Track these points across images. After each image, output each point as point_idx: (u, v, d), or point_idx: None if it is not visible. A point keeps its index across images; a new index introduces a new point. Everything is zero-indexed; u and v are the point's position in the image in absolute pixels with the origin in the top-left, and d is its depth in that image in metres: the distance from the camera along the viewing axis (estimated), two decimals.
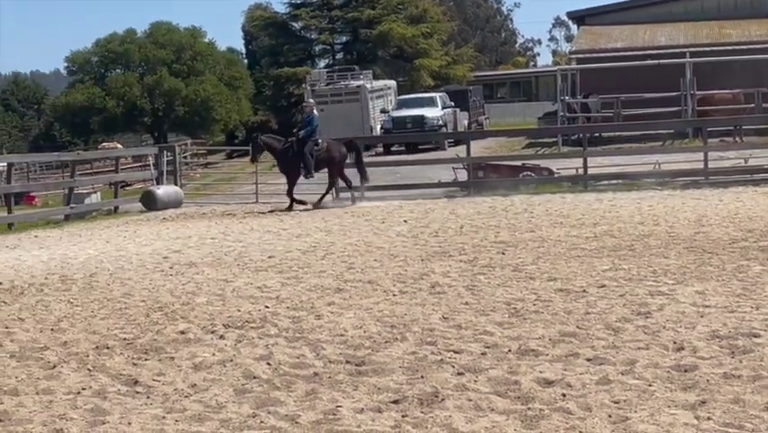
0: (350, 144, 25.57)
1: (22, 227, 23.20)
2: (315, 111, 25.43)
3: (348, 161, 25.18)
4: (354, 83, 49.75)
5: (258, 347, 8.76)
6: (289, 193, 24.24)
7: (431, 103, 46.27)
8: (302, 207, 23.83)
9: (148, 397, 7.40)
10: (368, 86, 49.47)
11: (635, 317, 9.25)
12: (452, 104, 47.47)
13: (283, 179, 24.86)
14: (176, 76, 67.62)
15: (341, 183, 25.17)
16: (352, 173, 25.00)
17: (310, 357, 8.33)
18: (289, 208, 23.84)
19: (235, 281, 12.73)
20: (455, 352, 8.22)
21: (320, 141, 24.80)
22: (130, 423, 6.72)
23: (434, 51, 65.47)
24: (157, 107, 67.61)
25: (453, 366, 7.74)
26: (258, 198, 26.86)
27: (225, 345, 8.93)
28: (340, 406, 6.84)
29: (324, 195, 24.39)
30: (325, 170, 24.67)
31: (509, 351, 8.17)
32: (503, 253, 14.04)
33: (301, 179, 24.38)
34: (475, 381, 7.33)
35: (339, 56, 68.06)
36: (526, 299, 10.36)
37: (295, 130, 26.13)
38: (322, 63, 67.63)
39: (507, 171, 27.52)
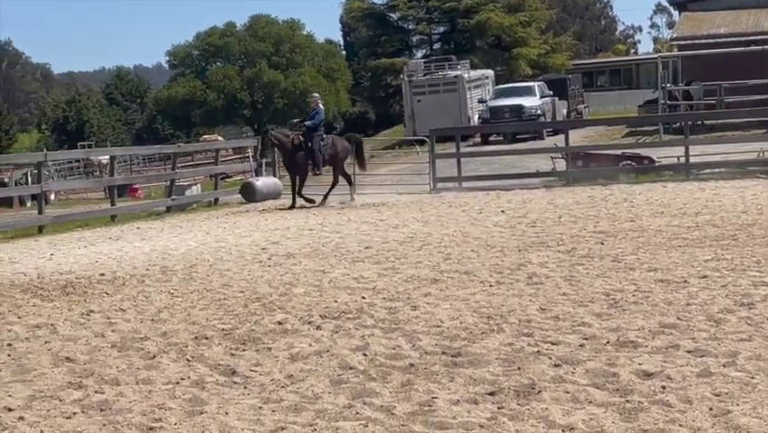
0: (351, 139, 25.56)
1: (125, 219, 23.61)
2: (320, 104, 25.30)
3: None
4: (452, 73, 49.61)
5: (354, 338, 8.77)
6: (300, 191, 24.03)
7: (529, 92, 45.81)
8: (310, 204, 23.72)
9: (245, 387, 7.46)
10: (465, 76, 49.29)
11: (737, 308, 9.06)
12: (551, 93, 47.00)
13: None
14: (275, 68, 68.33)
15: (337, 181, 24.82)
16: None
17: (406, 348, 8.32)
18: (317, 203, 23.86)
19: (332, 272, 12.77)
20: (552, 343, 8.15)
21: (325, 136, 24.80)
22: (227, 413, 6.78)
23: (532, 40, 64.96)
24: (256, 100, 68.40)
25: (550, 358, 7.67)
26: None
27: (322, 335, 8.96)
28: (435, 397, 6.82)
29: (328, 192, 24.19)
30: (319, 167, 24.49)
31: (608, 342, 8.06)
32: (602, 244, 13.87)
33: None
34: (572, 372, 7.25)
35: (436, 46, 67.94)
36: (626, 290, 10.21)
37: (296, 121, 25.95)
38: (419, 54, 67.60)
39: (606, 160, 27.19)
